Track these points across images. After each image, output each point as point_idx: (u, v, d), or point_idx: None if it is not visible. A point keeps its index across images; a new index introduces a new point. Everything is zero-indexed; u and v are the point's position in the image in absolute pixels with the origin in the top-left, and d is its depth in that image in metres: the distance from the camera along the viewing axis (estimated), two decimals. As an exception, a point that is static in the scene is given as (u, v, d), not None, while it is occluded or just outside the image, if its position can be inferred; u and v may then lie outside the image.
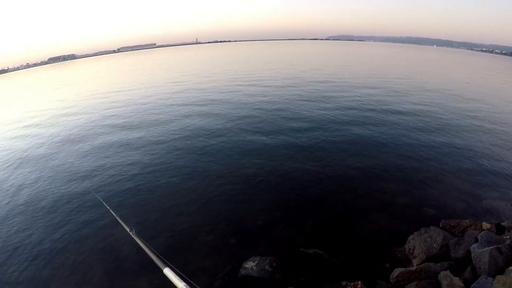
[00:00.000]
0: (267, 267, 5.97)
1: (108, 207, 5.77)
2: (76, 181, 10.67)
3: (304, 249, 6.49)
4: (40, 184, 10.68)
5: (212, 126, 15.59)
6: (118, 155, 12.64)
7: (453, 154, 11.62)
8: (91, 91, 33.38)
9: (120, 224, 4.52)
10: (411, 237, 6.43)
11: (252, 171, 10.44)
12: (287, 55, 79.84)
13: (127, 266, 6.40)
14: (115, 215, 4.83)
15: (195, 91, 26.73)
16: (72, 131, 16.86)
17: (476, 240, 5.63)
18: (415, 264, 5.79)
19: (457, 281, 4.71)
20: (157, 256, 3.12)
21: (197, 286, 2.63)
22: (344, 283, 5.31)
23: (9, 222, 8.52)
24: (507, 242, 5.43)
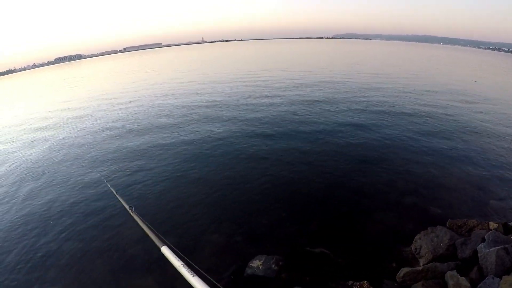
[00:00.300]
0: (273, 266, 5.99)
1: (109, 185, 5.83)
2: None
3: (310, 248, 6.50)
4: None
5: (217, 125, 15.63)
6: (123, 151, 12.76)
7: (460, 154, 11.55)
8: (97, 91, 33.63)
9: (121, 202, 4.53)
10: (417, 236, 6.42)
11: (257, 170, 10.47)
12: (294, 54, 79.70)
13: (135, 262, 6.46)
14: (114, 193, 4.85)
15: (201, 91, 26.81)
16: (77, 134, 17.00)
17: (483, 240, 5.61)
18: (421, 264, 5.78)
19: (463, 281, 4.70)
20: (155, 234, 3.12)
21: (193, 265, 2.63)
22: (350, 282, 5.31)
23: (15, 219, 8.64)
24: (515, 242, 5.41)
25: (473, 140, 12.93)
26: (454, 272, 4.91)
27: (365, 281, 5.16)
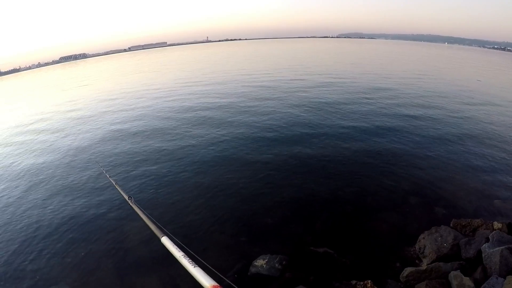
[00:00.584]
0: (277, 265, 6.01)
1: (108, 176, 5.88)
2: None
3: (314, 248, 6.52)
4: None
5: (222, 124, 15.66)
6: (127, 151, 12.83)
7: (464, 154, 11.51)
8: (101, 91, 33.87)
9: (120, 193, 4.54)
10: (421, 236, 6.42)
11: (262, 170, 10.49)
12: (301, 54, 79.61)
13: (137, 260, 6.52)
14: (114, 183, 4.87)
15: (205, 92, 26.87)
16: (80, 133, 17.12)
17: (487, 240, 5.61)
18: (425, 264, 5.78)
19: (467, 281, 4.70)
20: (156, 225, 3.09)
21: (194, 255, 2.62)
22: (353, 282, 5.33)
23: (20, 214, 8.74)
24: (519, 242, 5.40)
25: (477, 140, 12.88)
26: (458, 272, 4.91)
27: (369, 281, 5.18)
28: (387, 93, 22.76)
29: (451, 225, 6.77)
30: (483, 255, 5.27)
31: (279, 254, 6.32)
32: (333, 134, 13.57)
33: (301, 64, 47.89)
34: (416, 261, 6.06)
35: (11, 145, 16.04)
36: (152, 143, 13.70)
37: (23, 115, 25.22)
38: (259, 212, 8.15)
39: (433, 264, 5.52)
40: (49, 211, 8.83)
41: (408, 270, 5.49)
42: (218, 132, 14.39)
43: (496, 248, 5.18)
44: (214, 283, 1.21)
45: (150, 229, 3.11)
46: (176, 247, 2.58)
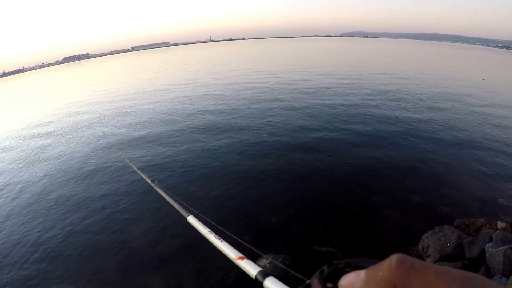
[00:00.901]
0: (280, 264, 6.03)
1: (128, 161, 5.98)
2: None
3: (318, 247, 6.53)
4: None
5: (226, 124, 15.67)
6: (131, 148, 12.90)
7: (468, 153, 11.48)
8: (106, 92, 33.97)
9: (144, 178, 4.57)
10: (425, 235, 6.43)
11: (265, 169, 10.49)
12: (307, 53, 79.53)
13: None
14: (135, 168, 4.91)
15: (209, 92, 26.88)
16: (84, 138, 17.21)
17: (491, 240, 5.61)
18: (428, 263, 5.78)
19: (470, 280, 4.70)
20: (181, 205, 3.16)
21: (222, 229, 2.67)
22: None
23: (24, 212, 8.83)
24: (523, 241, 5.40)
25: (481, 139, 12.83)
26: (462, 272, 4.91)
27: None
28: (390, 93, 22.68)
29: (454, 224, 6.77)
30: (486, 255, 5.28)
31: (282, 253, 6.33)
32: (336, 134, 13.53)
33: (306, 63, 47.84)
34: (420, 260, 6.06)
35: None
36: (160, 149, 13.75)
37: (32, 114, 25.39)
38: (262, 211, 8.15)
39: (436, 263, 5.52)
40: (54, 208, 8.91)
41: (411, 269, 5.49)
42: (218, 132, 14.41)
43: (500, 248, 5.18)
44: (240, 254, 1.30)
45: (175, 210, 3.17)
46: (202, 224, 2.64)
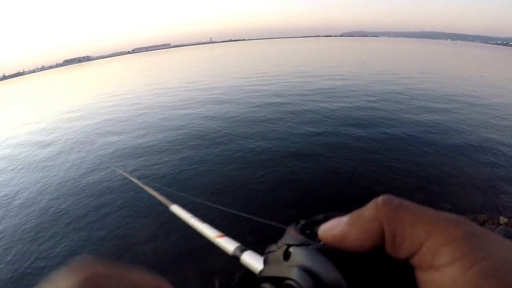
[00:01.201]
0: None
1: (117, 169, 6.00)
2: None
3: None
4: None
5: (227, 124, 15.65)
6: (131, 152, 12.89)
7: (469, 149, 11.44)
8: (107, 95, 34.03)
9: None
10: (427, 232, 6.40)
11: (267, 169, 10.46)
12: (309, 54, 79.58)
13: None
14: (120, 172, 4.86)
15: (212, 94, 26.92)
16: (84, 138, 17.22)
17: (493, 235, 5.59)
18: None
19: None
20: (163, 196, 3.08)
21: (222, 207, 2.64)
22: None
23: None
24: (525, 236, 5.38)
25: (482, 135, 12.78)
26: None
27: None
28: (392, 93, 22.65)
29: (456, 220, 6.74)
30: (489, 250, 5.25)
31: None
32: (337, 133, 13.49)
33: (310, 63, 47.83)
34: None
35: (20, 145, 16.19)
36: (164, 157, 13.75)
37: (31, 118, 25.42)
38: (264, 211, 8.11)
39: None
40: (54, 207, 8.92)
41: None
42: (218, 133, 14.39)
43: (502, 243, 5.16)
44: (219, 233, 1.26)
45: (158, 200, 3.15)
46: (184, 211, 2.61)
